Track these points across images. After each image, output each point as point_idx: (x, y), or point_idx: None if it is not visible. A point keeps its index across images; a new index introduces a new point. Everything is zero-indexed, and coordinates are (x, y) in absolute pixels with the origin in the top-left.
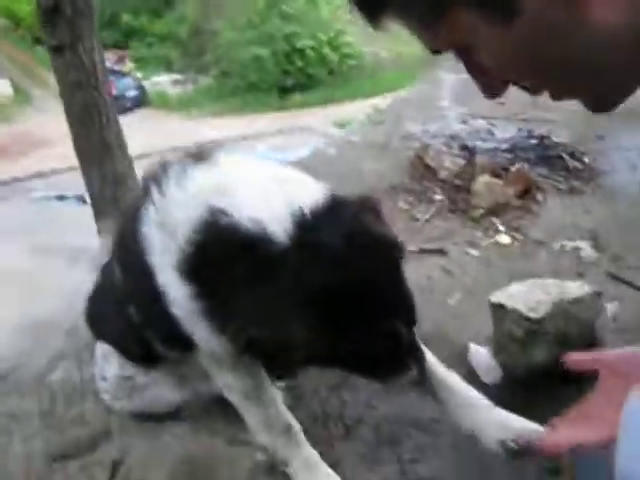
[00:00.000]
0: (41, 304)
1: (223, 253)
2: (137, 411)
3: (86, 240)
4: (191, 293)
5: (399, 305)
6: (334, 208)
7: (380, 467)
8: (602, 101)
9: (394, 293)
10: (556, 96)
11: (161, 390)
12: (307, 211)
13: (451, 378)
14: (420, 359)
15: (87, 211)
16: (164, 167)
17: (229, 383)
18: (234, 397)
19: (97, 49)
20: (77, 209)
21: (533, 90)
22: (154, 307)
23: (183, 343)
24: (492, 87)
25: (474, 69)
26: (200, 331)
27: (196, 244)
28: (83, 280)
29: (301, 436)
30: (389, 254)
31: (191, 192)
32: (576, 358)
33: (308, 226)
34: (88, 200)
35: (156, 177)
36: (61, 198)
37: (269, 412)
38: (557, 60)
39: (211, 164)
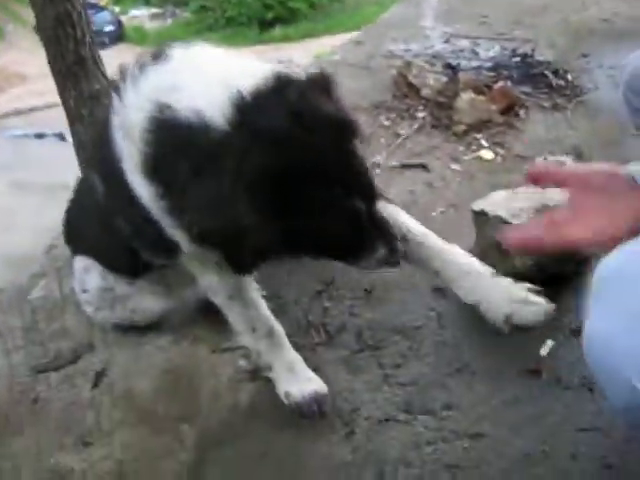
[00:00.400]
0: (19, 238)
1: (170, 148)
2: (119, 322)
3: (65, 177)
4: (154, 192)
5: (353, 182)
6: (279, 88)
7: (362, 373)
8: None
9: (345, 170)
10: None
11: (144, 300)
12: (247, 94)
13: (448, 248)
14: (388, 236)
15: (66, 148)
16: (123, 72)
17: (213, 284)
18: (218, 298)
19: None
20: (56, 146)
21: None
22: (137, 214)
23: (168, 248)
24: None
25: None
26: (171, 230)
27: (148, 143)
28: (60, 216)
29: (284, 340)
30: (337, 131)
31: (144, 93)
32: (541, 169)
33: (248, 109)
34: (68, 137)
35: (116, 83)
36: (40, 136)
37: (252, 313)
38: None
39: (165, 62)
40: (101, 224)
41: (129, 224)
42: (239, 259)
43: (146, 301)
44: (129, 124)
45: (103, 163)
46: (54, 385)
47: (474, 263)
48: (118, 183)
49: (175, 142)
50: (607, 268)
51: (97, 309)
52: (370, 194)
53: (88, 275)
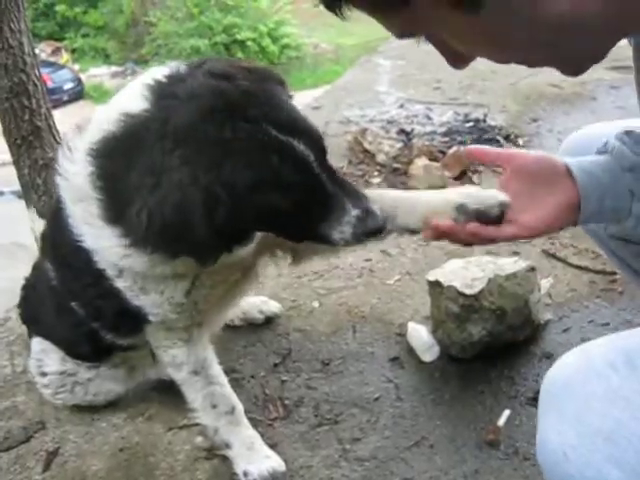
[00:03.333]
0: None
1: (116, 159)
2: (79, 403)
3: (22, 236)
4: (119, 233)
5: (291, 127)
6: (192, 68)
7: (320, 448)
8: (570, 70)
9: (279, 115)
10: (529, 66)
11: (106, 383)
12: (162, 77)
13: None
14: (356, 193)
15: (24, 207)
16: (54, 161)
17: (178, 359)
18: (182, 373)
19: (25, 31)
20: (14, 205)
21: (499, 62)
22: (99, 290)
23: (131, 323)
24: (459, 62)
25: (442, 48)
26: (138, 297)
27: (99, 184)
28: (19, 277)
29: (243, 417)
30: (261, 76)
31: (82, 149)
32: (478, 151)
33: (165, 85)
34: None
35: (55, 171)
36: None
37: (215, 390)
38: (524, 42)
39: (91, 124)
40: (58, 311)
41: (88, 306)
42: (198, 240)
43: (108, 384)
44: (77, 182)
45: (55, 249)
46: (4, 467)
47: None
48: (74, 264)
49: (115, 150)
50: (555, 379)
51: (56, 393)
52: (316, 142)
53: (47, 358)
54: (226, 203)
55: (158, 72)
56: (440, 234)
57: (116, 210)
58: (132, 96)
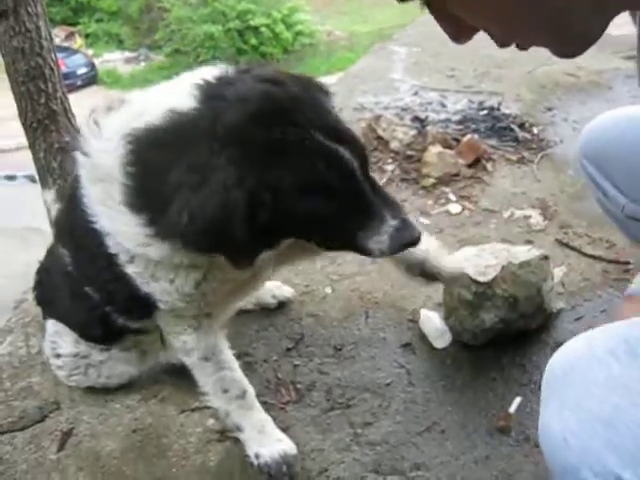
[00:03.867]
0: None
1: (156, 151)
2: (92, 385)
3: (36, 220)
4: (142, 221)
5: (338, 136)
6: (242, 71)
7: (331, 432)
8: (566, 48)
9: (327, 124)
10: (523, 44)
11: (118, 365)
12: (212, 78)
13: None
14: (394, 204)
15: (37, 190)
16: (78, 134)
17: (188, 345)
18: (192, 358)
19: (42, 15)
20: (27, 189)
21: (500, 40)
22: (111, 274)
23: (143, 308)
24: (460, 35)
25: (443, 18)
26: (148, 284)
27: (129, 164)
28: (33, 261)
29: (254, 401)
30: (308, 85)
31: (111, 131)
32: None
33: (215, 86)
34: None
35: (75, 146)
36: (10, 178)
37: (226, 375)
38: (524, 8)
39: (125, 105)
40: (72, 295)
41: (101, 290)
42: (236, 242)
43: (120, 366)
44: (104, 169)
45: (71, 232)
46: (20, 446)
47: None
48: (88, 247)
49: (154, 152)
50: (557, 366)
51: (70, 374)
52: (360, 151)
53: (61, 340)
54: (269, 206)
55: (207, 72)
56: None
57: (144, 199)
58: (180, 93)
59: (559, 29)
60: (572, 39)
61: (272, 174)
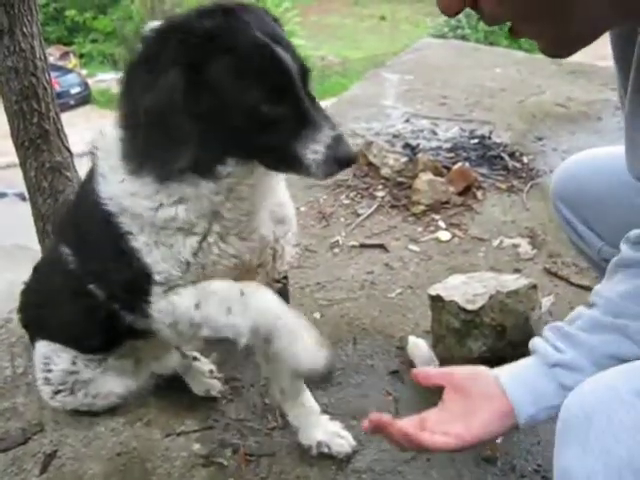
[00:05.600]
0: None
1: (132, 92)
2: (78, 408)
3: (25, 238)
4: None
5: (283, 45)
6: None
7: (317, 459)
8: (558, 47)
9: (277, 34)
10: (516, 31)
11: (108, 381)
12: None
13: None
14: (329, 118)
15: (27, 208)
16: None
17: (176, 301)
18: (185, 315)
19: (37, 35)
20: (17, 206)
21: (491, 17)
22: (117, 253)
23: (143, 289)
24: (451, 6)
25: None
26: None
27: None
28: (20, 280)
29: (257, 293)
30: (260, 10)
31: (109, 133)
32: (424, 374)
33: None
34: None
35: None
36: (1, 195)
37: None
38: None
39: None
40: (72, 298)
41: (107, 285)
42: (180, 129)
43: (110, 383)
44: (108, 150)
45: (77, 226)
46: (1, 468)
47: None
48: (96, 236)
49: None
50: (575, 409)
51: (56, 391)
52: (300, 61)
53: (56, 357)
54: (208, 90)
55: None
56: (377, 429)
57: (132, 143)
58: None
59: (564, 22)
60: (569, 36)
61: (211, 59)
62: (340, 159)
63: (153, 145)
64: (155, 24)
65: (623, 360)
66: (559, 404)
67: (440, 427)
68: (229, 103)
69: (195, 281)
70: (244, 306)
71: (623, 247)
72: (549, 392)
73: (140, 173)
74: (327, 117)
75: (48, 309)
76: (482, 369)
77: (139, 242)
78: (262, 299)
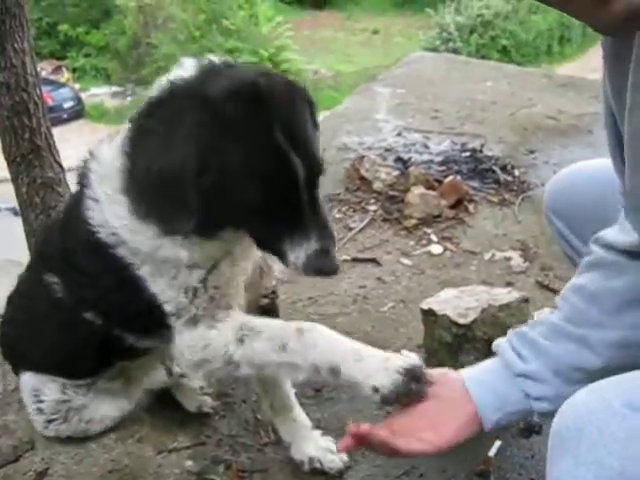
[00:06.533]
0: None
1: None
2: (72, 435)
3: (18, 253)
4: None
5: (296, 147)
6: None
7: (310, 474)
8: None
9: (296, 132)
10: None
11: (100, 405)
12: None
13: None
14: (325, 230)
15: (20, 223)
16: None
17: (213, 339)
18: (228, 353)
19: (29, 51)
20: (9, 221)
21: None
22: (118, 288)
23: (152, 317)
24: None
25: None
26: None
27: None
28: None
29: (316, 330)
30: (287, 91)
31: (106, 158)
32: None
33: (213, 66)
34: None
35: (80, 175)
36: None
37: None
38: None
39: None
40: (62, 327)
41: (106, 311)
42: (185, 198)
43: (103, 407)
44: (108, 175)
45: (66, 256)
46: None
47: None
48: (90, 266)
49: (148, 119)
50: (567, 421)
51: (49, 420)
52: (313, 168)
53: (45, 388)
54: (215, 173)
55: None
56: (359, 439)
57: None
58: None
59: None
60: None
61: (224, 146)
62: (318, 270)
63: (160, 204)
64: (184, 74)
65: (586, 371)
66: (523, 410)
67: (414, 433)
68: (230, 194)
69: (207, 307)
70: (302, 343)
71: (594, 247)
72: (514, 399)
73: (144, 219)
74: (324, 229)
75: (32, 340)
76: (451, 373)
77: (142, 271)
78: (320, 335)
